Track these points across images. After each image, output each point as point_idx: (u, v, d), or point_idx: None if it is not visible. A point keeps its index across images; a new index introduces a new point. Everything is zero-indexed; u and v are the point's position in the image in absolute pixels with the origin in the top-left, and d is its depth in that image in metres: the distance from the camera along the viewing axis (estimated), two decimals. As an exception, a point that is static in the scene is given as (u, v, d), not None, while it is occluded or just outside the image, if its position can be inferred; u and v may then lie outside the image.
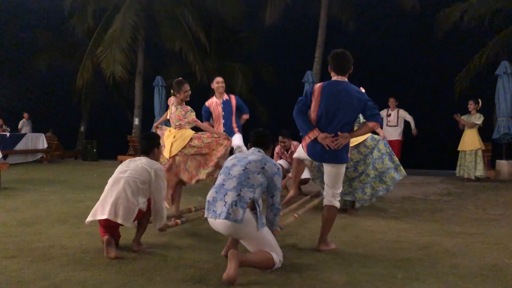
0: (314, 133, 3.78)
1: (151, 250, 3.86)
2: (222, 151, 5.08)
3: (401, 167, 5.75)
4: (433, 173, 11.25)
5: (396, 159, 5.76)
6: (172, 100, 5.41)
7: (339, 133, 3.75)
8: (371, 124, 3.82)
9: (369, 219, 5.34)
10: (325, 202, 4.00)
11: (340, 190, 3.98)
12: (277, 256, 3.30)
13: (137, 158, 3.99)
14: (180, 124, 5.20)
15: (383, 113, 10.80)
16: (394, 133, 10.78)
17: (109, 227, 3.69)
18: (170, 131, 5.29)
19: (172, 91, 5.31)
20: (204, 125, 5.67)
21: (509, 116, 10.50)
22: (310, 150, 3.90)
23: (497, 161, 10.78)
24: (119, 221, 3.60)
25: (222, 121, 6.75)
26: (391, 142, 10.33)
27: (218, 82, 6.77)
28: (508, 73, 10.39)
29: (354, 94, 3.81)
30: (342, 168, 3.93)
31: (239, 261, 3.06)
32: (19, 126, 16.72)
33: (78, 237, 4.23)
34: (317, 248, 3.90)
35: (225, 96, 6.83)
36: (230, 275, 2.96)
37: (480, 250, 3.90)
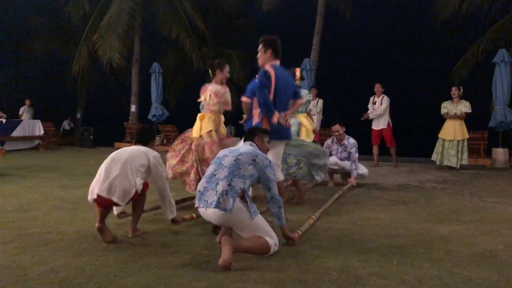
0: (276, 115, 4.14)
1: (147, 236, 3.88)
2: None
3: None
4: (430, 161, 11.27)
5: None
6: (207, 87, 5.35)
7: (284, 112, 4.25)
8: (299, 101, 4.54)
9: (365, 206, 5.37)
10: (280, 178, 4.30)
11: None
12: (272, 240, 3.32)
13: (133, 145, 3.96)
14: (218, 102, 5.18)
15: (370, 103, 10.44)
16: (381, 122, 10.33)
17: (104, 204, 3.65)
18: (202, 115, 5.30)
19: (211, 71, 5.27)
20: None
21: (506, 104, 10.52)
22: (276, 131, 4.17)
23: (493, 149, 10.81)
24: (115, 199, 3.57)
25: None
26: (383, 131, 10.27)
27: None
28: (505, 61, 10.39)
29: (290, 77, 4.46)
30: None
31: (233, 246, 3.08)
32: (20, 112, 16.69)
33: (75, 223, 4.24)
34: None
35: None
36: (226, 260, 2.98)
37: (475, 237, 3.93)
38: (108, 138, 16.42)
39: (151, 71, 15.16)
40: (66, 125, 20.36)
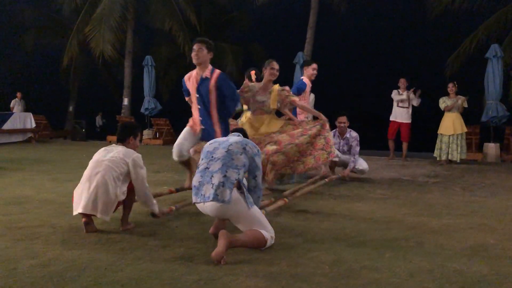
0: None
1: (139, 229, 3.86)
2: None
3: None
4: (422, 155, 11.33)
5: None
6: (248, 84, 5.46)
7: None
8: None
9: (357, 200, 5.38)
10: None
11: None
12: (268, 234, 3.32)
13: (113, 146, 3.90)
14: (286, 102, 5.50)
15: (394, 95, 10.24)
16: (404, 115, 10.14)
17: (89, 215, 3.69)
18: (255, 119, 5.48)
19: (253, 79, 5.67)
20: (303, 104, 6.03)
21: (498, 99, 10.59)
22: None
23: (485, 144, 10.90)
24: (98, 215, 3.59)
25: None
26: (402, 125, 10.21)
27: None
28: (497, 56, 10.45)
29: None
30: None
31: (229, 241, 3.08)
32: (11, 105, 16.56)
33: (67, 217, 4.20)
34: None
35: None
36: (218, 253, 2.97)
37: (466, 231, 3.96)
38: (101, 131, 16.32)
39: (143, 64, 15.07)
40: (99, 120, 20.35)
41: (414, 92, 9.96)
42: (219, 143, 3.52)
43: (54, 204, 4.83)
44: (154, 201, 3.93)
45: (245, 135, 3.87)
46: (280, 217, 4.41)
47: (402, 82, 10.34)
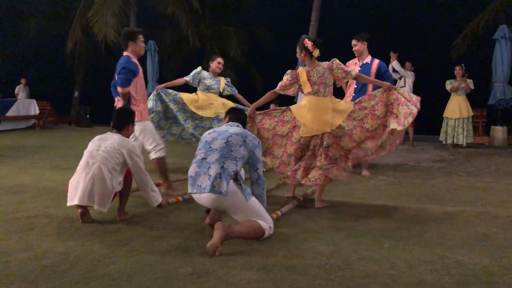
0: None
1: (136, 219, 3.82)
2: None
3: None
4: (428, 139, 11.18)
5: None
6: (289, 71, 4.43)
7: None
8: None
9: (359, 187, 5.29)
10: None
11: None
12: (266, 224, 3.26)
13: (108, 135, 3.81)
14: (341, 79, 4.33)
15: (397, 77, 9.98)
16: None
17: (85, 207, 3.66)
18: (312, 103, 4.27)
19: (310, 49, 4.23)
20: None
21: (506, 81, 10.37)
22: None
23: (492, 127, 10.73)
24: (95, 207, 3.55)
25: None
26: None
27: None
28: (506, 37, 10.20)
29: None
30: None
31: (225, 233, 3.02)
32: (16, 91, 16.55)
33: (64, 207, 4.13)
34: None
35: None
36: (213, 244, 2.92)
37: (468, 219, 3.87)
38: (106, 117, 16.27)
39: (146, 49, 14.92)
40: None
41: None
42: (219, 134, 3.43)
43: (53, 193, 4.79)
44: (155, 189, 3.87)
45: (244, 125, 3.78)
46: (277, 204, 4.34)
47: (408, 66, 10.18)
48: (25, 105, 13.74)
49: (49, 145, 9.55)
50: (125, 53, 4.72)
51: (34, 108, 13.97)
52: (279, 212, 3.88)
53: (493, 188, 5.28)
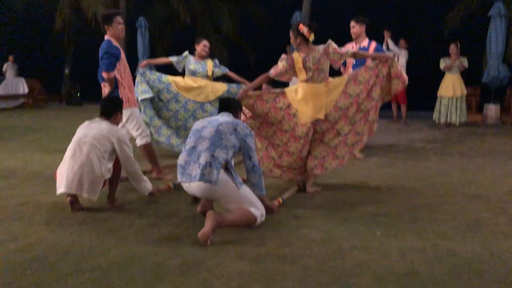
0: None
1: (126, 206, 3.78)
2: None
3: None
4: (421, 116, 11.14)
5: None
6: (284, 56, 4.58)
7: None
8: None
9: (351, 170, 5.24)
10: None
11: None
12: (257, 211, 3.23)
13: (96, 122, 3.74)
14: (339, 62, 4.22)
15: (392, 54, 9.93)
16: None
17: (74, 195, 3.62)
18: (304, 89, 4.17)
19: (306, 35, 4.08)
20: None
21: (500, 59, 10.30)
22: None
23: (485, 105, 10.70)
24: (84, 195, 3.50)
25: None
26: None
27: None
28: (501, 14, 10.08)
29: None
30: None
31: (217, 222, 2.99)
32: (4, 69, 16.21)
33: (53, 193, 4.06)
34: None
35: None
36: (204, 233, 2.89)
37: (461, 204, 3.86)
38: (97, 93, 16.04)
39: (137, 26, 14.65)
40: None
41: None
42: (208, 122, 3.36)
43: (41, 178, 4.73)
44: (145, 178, 3.84)
45: (236, 112, 3.68)
46: (270, 189, 4.31)
47: (402, 43, 10.06)
48: (14, 83, 13.52)
49: (39, 126, 9.42)
50: (106, 37, 4.59)
51: (23, 87, 13.75)
52: (280, 199, 3.85)
53: (486, 170, 5.27)
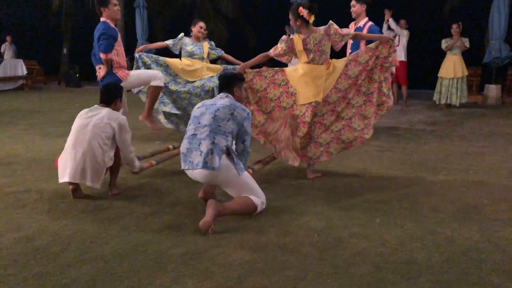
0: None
1: (129, 193, 3.80)
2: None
3: None
4: (422, 96, 11.10)
5: None
6: (284, 38, 4.33)
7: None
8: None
9: (351, 155, 5.21)
10: None
11: None
12: (258, 199, 3.26)
13: (96, 109, 3.72)
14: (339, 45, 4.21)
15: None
16: (400, 53, 9.58)
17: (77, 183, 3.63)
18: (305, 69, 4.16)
19: (306, 17, 4.03)
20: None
21: (502, 39, 10.21)
22: None
23: (486, 85, 10.67)
24: (88, 183, 3.52)
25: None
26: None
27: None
28: (504, -6, 9.94)
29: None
30: None
31: (218, 211, 3.01)
32: (2, 50, 16.10)
33: (55, 180, 4.08)
34: None
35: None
36: (205, 222, 2.92)
37: (460, 190, 3.89)
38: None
39: (135, 6, 14.48)
40: None
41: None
42: (206, 108, 3.35)
43: (43, 163, 4.74)
44: (137, 163, 3.87)
45: (234, 86, 3.52)
46: (271, 175, 4.34)
47: (402, 23, 9.97)
48: (12, 65, 13.43)
49: (39, 109, 9.40)
50: (102, 19, 4.56)
51: (21, 68, 13.67)
52: (250, 170, 3.75)
53: (485, 153, 5.29)
